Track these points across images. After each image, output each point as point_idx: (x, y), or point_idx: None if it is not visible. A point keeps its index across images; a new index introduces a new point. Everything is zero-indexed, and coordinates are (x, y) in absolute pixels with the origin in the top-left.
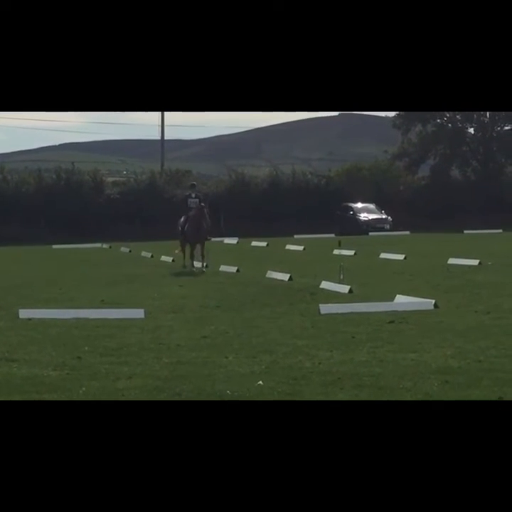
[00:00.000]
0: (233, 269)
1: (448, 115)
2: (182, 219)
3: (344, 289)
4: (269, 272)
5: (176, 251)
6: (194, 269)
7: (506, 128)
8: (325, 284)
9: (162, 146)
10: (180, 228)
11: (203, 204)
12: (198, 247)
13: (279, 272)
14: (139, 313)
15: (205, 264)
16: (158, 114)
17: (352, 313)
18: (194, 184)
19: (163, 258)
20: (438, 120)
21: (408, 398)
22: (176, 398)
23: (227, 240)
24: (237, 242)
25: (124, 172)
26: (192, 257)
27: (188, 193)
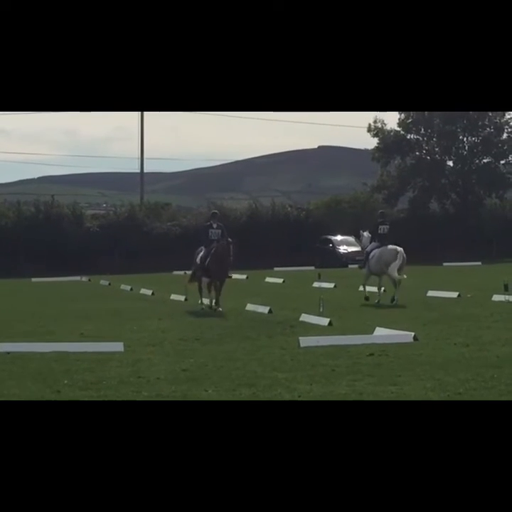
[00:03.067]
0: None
1: (427, 148)
2: (202, 252)
3: (324, 321)
4: (248, 304)
5: (188, 284)
6: (205, 306)
7: (485, 160)
8: (305, 317)
9: (141, 178)
10: (198, 261)
11: (229, 239)
12: (216, 283)
13: (259, 304)
14: (118, 346)
15: (219, 304)
16: (137, 146)
17: (332, 345)
18: (216, 212)
19: (143, 291)
20: (417, 153)
21: None
22: None
23: None
24: None
25: (104, 205)
26: (210, 294)
27: (209, 223)
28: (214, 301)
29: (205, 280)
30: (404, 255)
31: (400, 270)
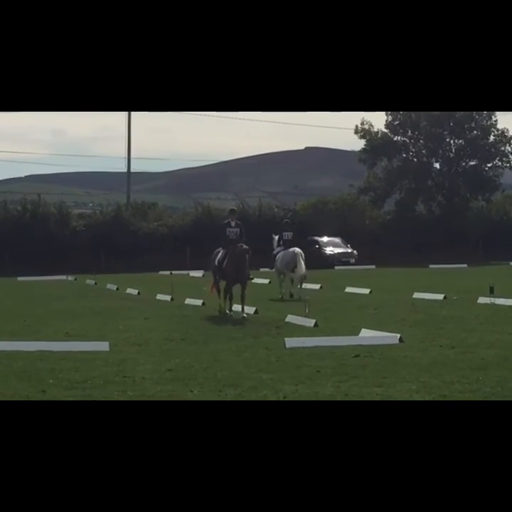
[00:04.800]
0: (199, 302)
1: (414, 150)
2: (220, 253)
3: (309, 322)
4: (234, 305)
5: (208, 290)
6: (230, 313)
7: (471, 163)
8: (290, 318)
9: (128, 178)
10: (215, 263)
11: (245, 246)
12: (237, 287)
13: (245, 305)
14: (103, 345)
15: (244, 310)
16: (124, 146)
17: (317, 347)
18: (234, 209)
19: (129, 291)
20: (404, 155)
21: None
22: None
23: (193, 273)
24: (203, 275)
25: (90, 204)
26: (230, 298)
27: (226, 221)
28: (242, 306)
29: (222, 283)
30: (302, 257)
31: (299, 271)
